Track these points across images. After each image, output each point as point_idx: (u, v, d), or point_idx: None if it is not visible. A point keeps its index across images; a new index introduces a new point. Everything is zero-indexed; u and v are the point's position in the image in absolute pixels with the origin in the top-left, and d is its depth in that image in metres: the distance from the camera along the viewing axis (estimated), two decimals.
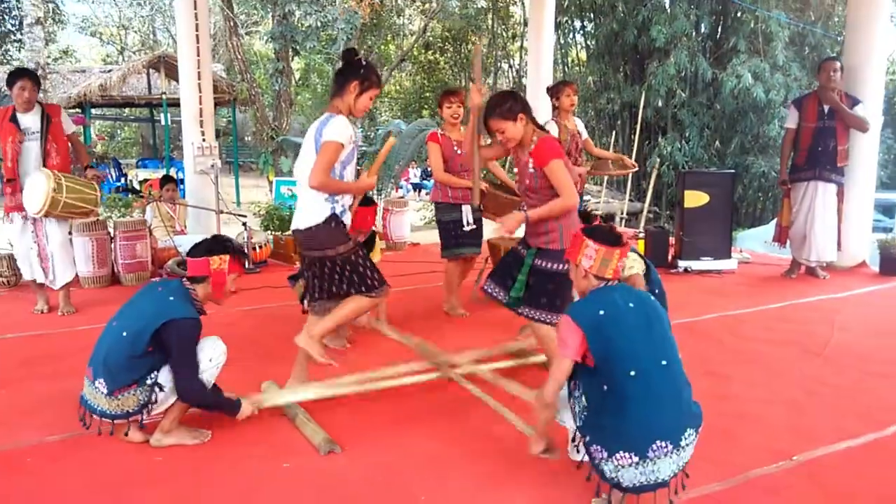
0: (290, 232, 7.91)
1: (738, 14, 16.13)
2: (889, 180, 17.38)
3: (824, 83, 6.44)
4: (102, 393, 2.96)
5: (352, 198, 3.53)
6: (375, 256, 4.68)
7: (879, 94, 7.05)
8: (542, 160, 3.43)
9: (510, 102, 3.45)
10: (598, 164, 6.07)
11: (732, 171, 9.16)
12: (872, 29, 6.95)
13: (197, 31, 7.77)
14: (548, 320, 3.54)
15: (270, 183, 14.90)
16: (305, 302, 4.52)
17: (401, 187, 19.11)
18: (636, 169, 6.06)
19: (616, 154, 6.11)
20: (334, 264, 3.45)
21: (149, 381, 2.97)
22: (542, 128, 3.62)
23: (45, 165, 5.20)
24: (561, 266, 3.42)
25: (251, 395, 3.39)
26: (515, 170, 3.72)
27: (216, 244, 3.26)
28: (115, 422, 3.02)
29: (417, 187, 21.51)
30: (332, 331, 3.66)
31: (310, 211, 3.41)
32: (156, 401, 3.00)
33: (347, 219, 3.47)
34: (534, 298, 3.57)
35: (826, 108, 6.41)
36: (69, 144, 5.45)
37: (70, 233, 5.81)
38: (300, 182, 3.44)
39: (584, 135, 5.84)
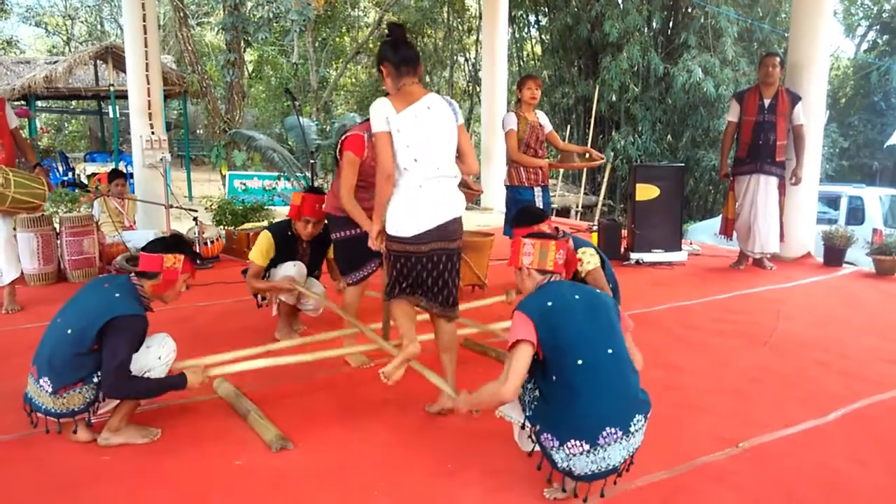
0: (248, 227, 7.86)
1: (689, 10, 16.40)
2: (834, 173, 17.92)
3: (763, 78, 6.58)
4: (47, 391, 2.89)
5: None
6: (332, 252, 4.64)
7: (823, 89, 7.23)
8: None
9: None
10: (563, 156, 5.98)
11: (682, 164, 9.35)
12: (816, 25, 7.12)
13: (144, 21, 7.63)
14: None
15: (223, 177, 14.70)
16: (259, 297, 4.51)
17: None
18: (604, 161, 6.02)
19: (583, 147, 6.01)
20: (457, 258, 3.25)
21: (95, 380, 2.91)
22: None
23: None
24: None
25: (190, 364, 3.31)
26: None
27: (174, 242, 3.23)
28: (61, 420, 2.96)
29: None
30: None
31: (458, 199, 3.18)
32: (102, 399, 2.95)
33: None
34: None
35: (766, 102, 6.54)
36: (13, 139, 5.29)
37: (14, 228, 5.64)
38: (441, 168, 3.08)
39: (548, 128, 5.85)
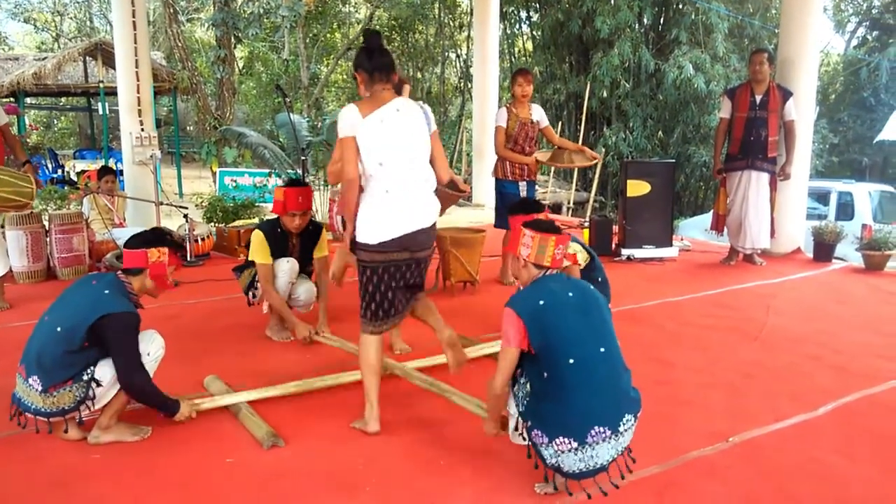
0: (239, 224, 7.83)
1: (680, 6, 16.41)
2: (824, 169, 17.99)
3: (752, 75, 6.59)
4: (37, 390, 2.87)
5: None
6: (323, 250, 4.63)
7: (813, 85, 7.25)
8: None
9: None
10: (555, 153, 5.93)
11: (673, 160, 9.35)
12: (806, 22, 7.13)
13: (134, 17, 7.60)
14: None
15: (214, 174, 14.63)
16: (251, 295, 4.50)
17: None
18: (599, 160, 6.00)
19: (578, 145, 5.99)
20: (427, 261, 3.23)
21: (85, 377, 2.89)
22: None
23: None
24: None
25: (189, 395, 3.34)
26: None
27: (155, 236, 3.20)
28: (52, 420, 2.93)
29: None
30: None
31: (429, 207, 3.13)
32: (93, 397, 2.92)
33: None
34: None
35: (758, 98, 6.55)
36: (2, 136, 5.25)
37: (2, 226, 5.60)
38: (409, 171, 3.06)
39: (544, 123, 5.84)
